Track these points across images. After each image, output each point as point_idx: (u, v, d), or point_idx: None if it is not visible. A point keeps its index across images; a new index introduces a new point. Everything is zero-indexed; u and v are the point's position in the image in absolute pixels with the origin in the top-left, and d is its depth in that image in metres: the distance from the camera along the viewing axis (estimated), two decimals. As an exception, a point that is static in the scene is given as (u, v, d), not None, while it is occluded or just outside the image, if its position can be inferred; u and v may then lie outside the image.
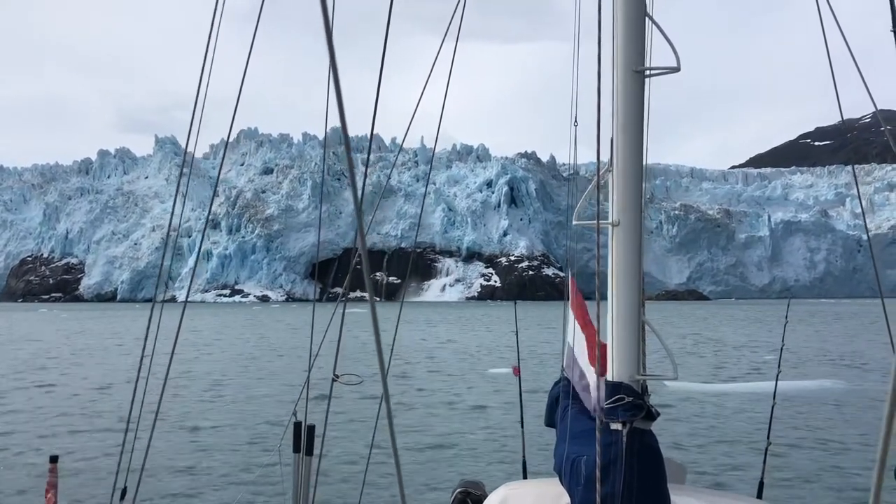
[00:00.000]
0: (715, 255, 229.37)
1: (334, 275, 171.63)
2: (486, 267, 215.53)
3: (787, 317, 6.44)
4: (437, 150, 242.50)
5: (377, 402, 5.44)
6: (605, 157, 3.15)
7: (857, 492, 12.05)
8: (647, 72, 3.21)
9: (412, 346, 41.62)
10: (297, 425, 4.64)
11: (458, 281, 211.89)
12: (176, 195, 4.58)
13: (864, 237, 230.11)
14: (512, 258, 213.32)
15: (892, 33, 3.28)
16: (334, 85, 1.24)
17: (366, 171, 4.87)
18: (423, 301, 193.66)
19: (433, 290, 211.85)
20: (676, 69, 3.18)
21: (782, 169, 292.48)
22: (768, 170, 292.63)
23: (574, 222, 3.55)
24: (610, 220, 3.21)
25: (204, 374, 29.04)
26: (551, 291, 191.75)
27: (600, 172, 3.13)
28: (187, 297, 5.48)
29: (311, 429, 4.60)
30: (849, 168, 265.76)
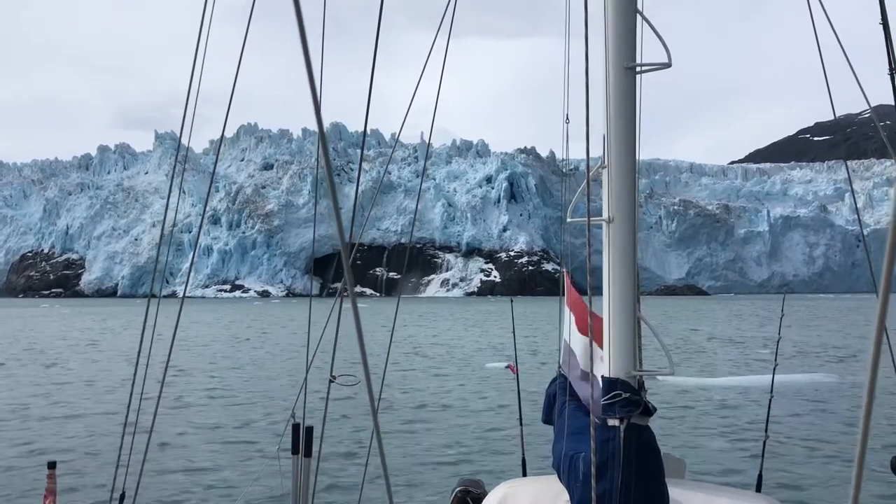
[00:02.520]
0: (714, 250, 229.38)
1: (334, 270, 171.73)
2: (486, 262, 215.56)
3: (782, 311, 6.44)
4: (436, 146, 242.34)
5: (376, 402, 5.43)
6: (598, 154, 3.15)
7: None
8: (638, 68, 3.22)
9: (411, 343, 41.65)
10: (296, 427, 4.63)
11: (454, 285, 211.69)
12: (170, 190, 4.59)
13: (864, 231, 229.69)
14: (511, 253, 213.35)
15: (881, 26, 3.25)
16: (310, 83, 1.25)
17: (360, 165, 4.88)
18: (422, 297, 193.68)
19: (433, 286, 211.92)
20: (667, 65, 3.18)
21: (781, 164, 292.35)
22: (767, 165, 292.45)
23: (568, 219, 3.54)
24: (604, 217, 3.20)
25: (202, 373, 29.04)
26: (551, 287, 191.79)
27: (593, 169, 3.13)
28: (185, 292, 5.48)
29: (310, 430, 4.60)
30: (848, 163, 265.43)
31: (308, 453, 4.59)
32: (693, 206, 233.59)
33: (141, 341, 4.26)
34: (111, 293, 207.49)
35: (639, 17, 3.22)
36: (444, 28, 4.80)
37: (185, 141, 4.47)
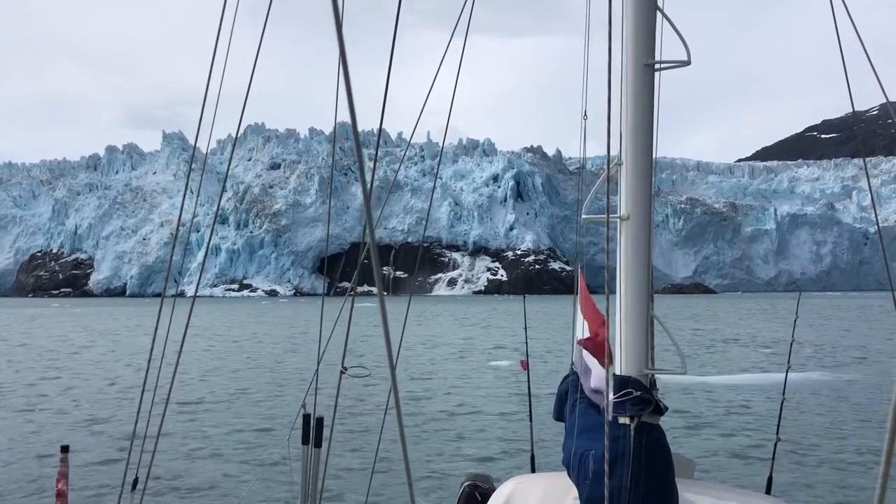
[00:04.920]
0: (721, 248, 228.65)
1: (342, 269, 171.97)
2: (493, 261, 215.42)
3: (797, 313, 6.33)
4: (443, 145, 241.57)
5: (385, 395, 5.47)
6: (614, 151, 3.15)
7: (867, 488, 12.02)
8: (658, 65, 3.20)
9: (420, 341, 41.66)
10: (306, 417, 4.68)
11: (461, 285, 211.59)
12: (186, 190, 4.60)
13: (871, 230, 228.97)
14: (518, 252, 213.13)
15: None
16: (344, 79, 1.23)
17: (374, 166, 4.89)
18: (429, 295, 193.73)
19: (440, 285, 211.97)
20: (687, 63, 3.17)
21: (788, 162, 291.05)
22: (774, 163, 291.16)
23: (583, 216, 3.54)
24: (619, 214, 3.21)
25: (213, 367, 29.14)
26: (557, 285, 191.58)
27: (610, 166, 3.12)
28: (196, 291, 5.52)
29: (320, 421, 4.63)
30: (855, 161, 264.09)
31: (318, 443, 4.62)
32: (700, 205, 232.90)
33: (154, 336, 4.32)
34: (120, 293, 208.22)
35: (658, 14, 3.20)
36: (461, 29, 4.78)
37: (201, 144, 4.48)
